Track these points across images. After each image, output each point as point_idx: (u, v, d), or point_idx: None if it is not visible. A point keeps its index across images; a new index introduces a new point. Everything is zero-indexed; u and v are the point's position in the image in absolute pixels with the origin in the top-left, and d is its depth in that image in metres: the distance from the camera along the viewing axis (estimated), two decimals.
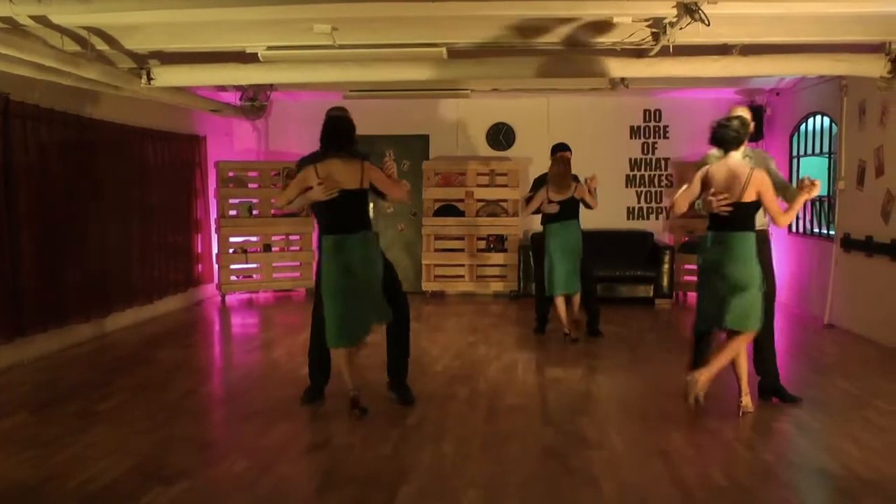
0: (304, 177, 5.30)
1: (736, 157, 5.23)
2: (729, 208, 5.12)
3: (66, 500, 4.04)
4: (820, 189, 5.19)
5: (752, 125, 5.43)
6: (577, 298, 8.04)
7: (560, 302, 7.93)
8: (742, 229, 5.19)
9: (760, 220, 5.44)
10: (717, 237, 5.28)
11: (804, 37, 6.98)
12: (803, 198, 5.16)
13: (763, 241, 5.51)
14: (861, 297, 8.19)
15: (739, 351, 5.34)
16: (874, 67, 7.42)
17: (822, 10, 5.99)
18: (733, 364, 5.39)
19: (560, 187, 7.88)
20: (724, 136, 5.22)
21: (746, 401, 5.43)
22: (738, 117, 5.29)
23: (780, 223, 5.27)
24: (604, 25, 6.47)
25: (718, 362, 5.30)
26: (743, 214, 5.17)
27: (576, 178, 8.02)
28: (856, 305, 8.30)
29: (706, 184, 5.28)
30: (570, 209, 7.93)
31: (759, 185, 5.10)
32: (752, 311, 5.22)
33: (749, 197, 5.11)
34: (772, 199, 5.17)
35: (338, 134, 5.37)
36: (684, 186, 5.41)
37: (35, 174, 7.25)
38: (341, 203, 5.27)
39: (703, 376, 5.26)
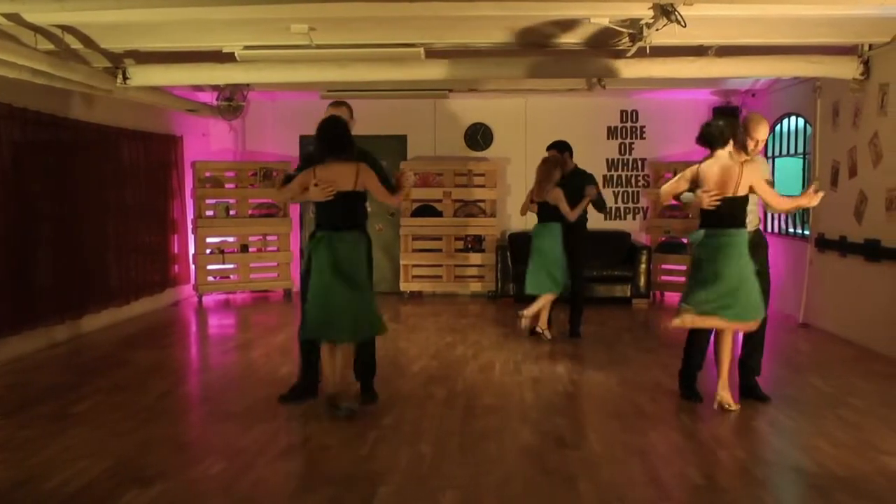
0: (304, 179, 5.44)
1: (723, 155, 5.37)
2: (718, 202, 5.28)
3: (41, 502, 4.00)
4: (817, 200, 5.44)
5: (744, 128, 5.57)
6: (544, 300, 8.00)
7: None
8: (735, 225, 5.35)
9: (754, 220, 5.65)
10: (711, 233, 5.40)
11: (779, 39, 7.08)
12: (803, 200, 5.52)
13: (759, 240, 5.69)
14: (835, 296, 8.27)
15: (728, 343, 5.52)
16: (847, 69, 7.53)
17: (795, 13, 6.06)
18: (717, 356, 5.57)
19: (540, 189, 7.87)
20: (709, 134, 5.39)
21: (725, 396, 5.50)
22: (722, 118, 5.54)
23: (773, 205, 5.56)
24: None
25: (725, 366, 5.52)
26: (737, 209, 5.34)
27: (591, 181, 8.08)
28: (830, 305, 8.39)
29: (696, 182, 5.44)
30: (546, 212, 7.90)
31: (750, 178, 5.28)
32: (747, 305, 5.36)
33: (743, 191, 5.30)
34: (764, 187, 5.35)
35: (336, 137, 5.46)
36: (673, 179, 5.64)
37: (8, 174, 7.16)
38: (336, 202, 5.42)
39: (724, 389, 5.50)
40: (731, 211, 5.31)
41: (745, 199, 5.34)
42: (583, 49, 7.30)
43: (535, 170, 7.99)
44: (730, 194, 5.27)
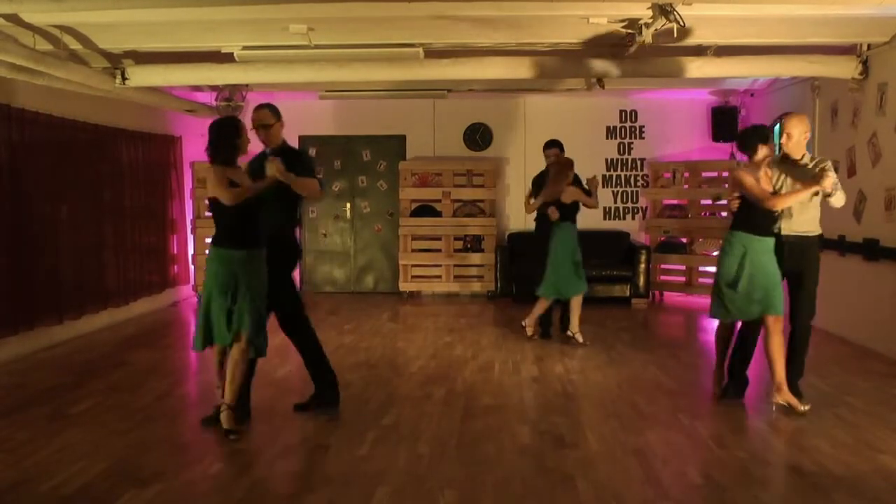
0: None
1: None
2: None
3: (38, 503, 4.00)
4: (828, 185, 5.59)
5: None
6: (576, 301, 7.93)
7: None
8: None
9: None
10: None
11: (777, 38, 7.09)
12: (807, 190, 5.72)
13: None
14: (834, 295, 8.23)
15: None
16: (846, 69, 7.53)
17: (794, 13, 6.06)
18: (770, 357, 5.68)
19: (555, 189, 7.76)
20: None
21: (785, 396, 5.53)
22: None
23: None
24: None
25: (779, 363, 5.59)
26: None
27: (577, 181, 7.90)
28: (829, 304, 8.33)
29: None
30: (563, 212, 7.81)
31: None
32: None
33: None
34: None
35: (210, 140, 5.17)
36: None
37: (6, 174, 7.16)
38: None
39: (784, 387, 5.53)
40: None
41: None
42: (582, 49, 7.30)
43: (550, 170, 7.92)
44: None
